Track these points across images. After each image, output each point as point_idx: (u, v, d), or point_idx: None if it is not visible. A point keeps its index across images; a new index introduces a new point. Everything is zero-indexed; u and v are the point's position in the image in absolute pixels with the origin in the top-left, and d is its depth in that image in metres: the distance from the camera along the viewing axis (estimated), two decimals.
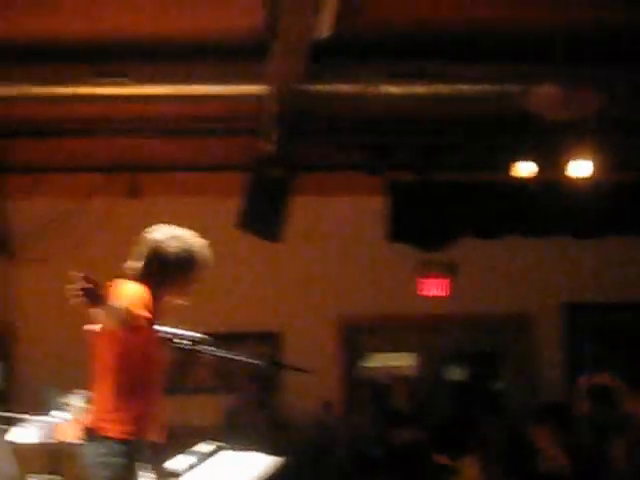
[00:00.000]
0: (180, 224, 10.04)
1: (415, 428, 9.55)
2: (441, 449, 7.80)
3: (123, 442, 4.37)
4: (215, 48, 7.24)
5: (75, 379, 9.84)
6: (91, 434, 4.42)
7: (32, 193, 10.43)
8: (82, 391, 6.67)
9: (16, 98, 7.76)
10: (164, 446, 4.67)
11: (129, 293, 4.45)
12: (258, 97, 7.60)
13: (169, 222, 9.89)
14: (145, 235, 4.78)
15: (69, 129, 9.19)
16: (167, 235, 4.78)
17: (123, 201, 10.43)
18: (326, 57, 7.00)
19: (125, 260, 10.49)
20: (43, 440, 6.09)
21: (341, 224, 10.54)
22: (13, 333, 10.60)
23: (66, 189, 10.38)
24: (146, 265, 4.68)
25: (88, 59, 7.40)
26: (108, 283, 4.50)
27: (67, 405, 6.37)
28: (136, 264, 4.69)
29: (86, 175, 10.27)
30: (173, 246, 4.72)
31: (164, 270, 4.67)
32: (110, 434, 4.37)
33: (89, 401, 4.51)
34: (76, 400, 6.17)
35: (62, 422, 6.08)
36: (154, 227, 4.82)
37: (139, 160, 10.00)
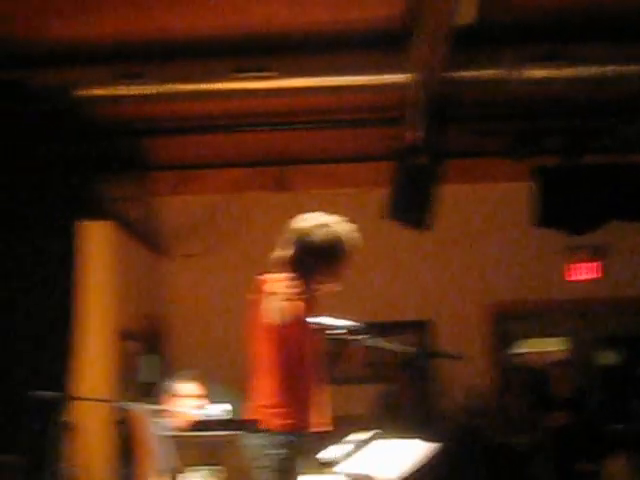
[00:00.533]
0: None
1: (572, 413, 9.42)
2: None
3: (286, 434, 4.41)
4: (357, 38, 7.22)
5: (228, 373, 10.19)
6: (255, 426, 4.48)
7: (180, 190, 10.67)
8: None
9: (161, 96, 7.88)
10: (328, 436, 4.70)
11: (283, 286, 4.48)
12: (402, 86, 7.56)
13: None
14: (291, 223, 4.79)
15: (215, 125, 9.28)
16: (313, 222, 4.79)
17: (271, 195, 10.58)
18: (469, 42, 6.91)
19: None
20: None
21: (488, 210, 10.50)
22: (165, 328, 10.86)
23: (214, 185, 10.59)
24: (295, 254, 4.69)
25: (231, 54, 7.47)
26: (259, 277, 4.54)
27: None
28: (284, 253, 4.70)
29: (233, 170, 10.43)
30: (320, 233, 4.72)
31: (313, 258, 4.67)
32: (273, 427, 4.41)
33: (249, 394, 4.56)
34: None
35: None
36: (299, 216, 4.81)
37: (285, 153, 10.08)
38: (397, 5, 6.67)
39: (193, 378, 6.67)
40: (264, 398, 4.53)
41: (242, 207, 10.52)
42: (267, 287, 4.47)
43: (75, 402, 6.67)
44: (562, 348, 11.16)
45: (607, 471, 8.84)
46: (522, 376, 10.30)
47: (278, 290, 4.45)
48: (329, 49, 7.39)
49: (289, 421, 4.44)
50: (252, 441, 4.44)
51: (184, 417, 6.40)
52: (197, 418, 6.20)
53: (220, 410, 6.07)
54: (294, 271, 4.67)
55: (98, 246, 8.78)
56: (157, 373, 10.47)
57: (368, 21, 7.03)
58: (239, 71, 7.57)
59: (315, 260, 4.71)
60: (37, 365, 7.66)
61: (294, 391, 4.50)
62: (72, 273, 8.18)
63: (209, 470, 4.54)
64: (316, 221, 4.85)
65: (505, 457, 9.68)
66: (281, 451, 4.41)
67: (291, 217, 10.58)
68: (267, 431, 4.41)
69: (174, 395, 6.45)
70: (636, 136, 8.90)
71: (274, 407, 4.46)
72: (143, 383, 10.01)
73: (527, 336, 11.22)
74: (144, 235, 10.54)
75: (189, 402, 6.47)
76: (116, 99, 7.75)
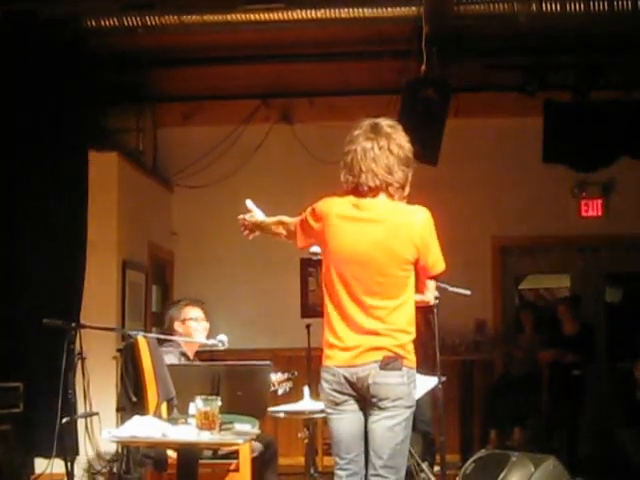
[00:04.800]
0: (332, 147, 10.24)
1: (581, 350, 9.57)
2: None
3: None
4: None
5: (233, 305, 10.34)
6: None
7: (187, 122, 10.75)
8: None
9: (169, 27, 7.97)
10: None
11: None
12: (411, 18, 7.63)
13: (323, 146, 10.18)
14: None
15: (222, 57, 9.37)
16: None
17: (277, 127, 10.65)
18: None
19: (281, 184, 10.77)
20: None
21: (496, 145, 10.54)
22: (170, 260, 11.01)
23: (220, 117, 10.65)
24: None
25: None
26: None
27: None
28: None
29: (240, 102, 10.53)
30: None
31: None
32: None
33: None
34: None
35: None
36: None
37: (292, 86, 10.18)
38: None
39: (198, 303, 6.81)
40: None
41: (249, 139, 10.58)
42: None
43: (83, 331, 6.80)
44: (565, 285, 11.26)
45: None
46: (533, 314, 10.41)
47: None
48: None
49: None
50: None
51: (193, 345, 6.57)
52: (206, 345, 6.37)
53: (217, 340, 6.23)
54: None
55: (103, 176, 8.91)
56: (159, 303, 10.66)
57: None
58: (247, 2, 7.63)
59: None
60: (50, 291, 7.86)
61: None
62: (85, 199, 8.34)
63: (206, 399, 4.70)
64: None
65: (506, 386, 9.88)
66: None
67: (296, 149, 10.72)
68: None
69: (184, 320, 6.60)
70: None
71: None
72: (151, 312, 10.21)
73: (532, 271, 11.33)
74: (150, 166, 10.66)
75: (198, 325, 6.63)
76: (124, 30, 7.84)
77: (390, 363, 4.36)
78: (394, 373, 4.36)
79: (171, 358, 6.22)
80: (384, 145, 4.40)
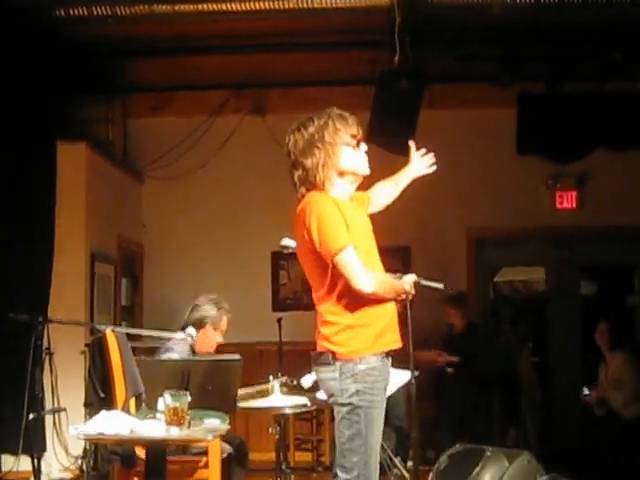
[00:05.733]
0: None
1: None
2: None
3: None
4: None
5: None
6: None
7: (158, 112, 10.68)
8: None
9: (139, 16, 7.90)
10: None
11: None
12: (383, 8, 7.61)
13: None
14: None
15: (193, 47, 9.31)
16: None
17: (249, 118, 10.61)
18: None
19: (252, 176, 10.72)
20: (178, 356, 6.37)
21: (470, 136, 10.55)
22: (140, 252, 10.95)
23: (191, 108, 10.61)
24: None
25: None
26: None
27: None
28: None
29: (211, 93, 10.49)
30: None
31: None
32: None
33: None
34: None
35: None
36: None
37: (264, 76, 10.14)
38: None
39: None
40: None
41: (220, 130, 10.53)
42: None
43: (50, 326, 6.75)
44: (540, 277, 11.29)
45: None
46: (509, 307, 10.43)
47: None
48: None
49: None
50: None
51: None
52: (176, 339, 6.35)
53: (186, 334, 6.23)
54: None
55: (71, 167, 8.85)
56: (128, 296, 10.60)
57: None
58: None
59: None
60: (16, 283, 7.78)
61: None
62: (53, 190, 8.27)
63: (175, 395, 4.66)
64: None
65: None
66: None
67: (269, 141, 10.68)
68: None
69: (220, 329, 6.66)
70: (621, 63, 8.91)
71: None
72: (120, 306, 10.15)
73: (507, 264, 11.35)
74: (120, 157, 10.59)
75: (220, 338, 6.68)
76: (94, 19, 7.77)
77: (318, 358, 4.36)
78: (324, 368, 4.34)
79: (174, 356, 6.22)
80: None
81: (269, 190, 10.62)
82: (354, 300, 4.32)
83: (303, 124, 4.54)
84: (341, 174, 4.51)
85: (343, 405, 4.30)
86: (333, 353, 4.31)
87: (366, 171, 4.59)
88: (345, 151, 4.51)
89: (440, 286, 4.80)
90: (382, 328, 4.39)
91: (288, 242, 4.84)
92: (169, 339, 6.45)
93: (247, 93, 10.55)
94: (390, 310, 4.47)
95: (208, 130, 10.55)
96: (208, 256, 10.76)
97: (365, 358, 4.32)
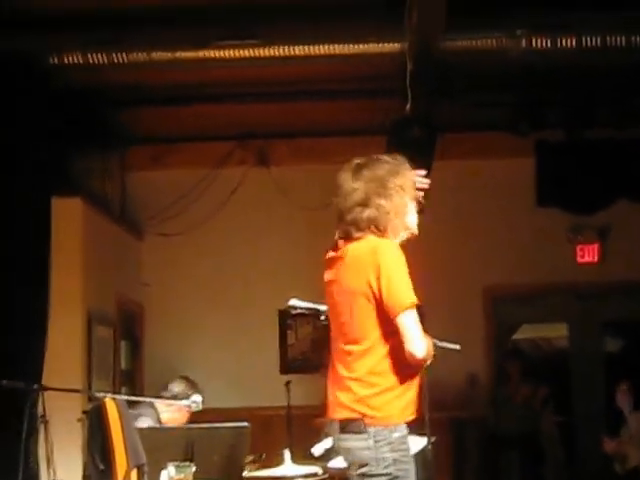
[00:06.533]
0: (312, 192, 10.20)
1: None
2: None
3: None
4: (346, 3, 7.28)
5: (202, 361, 10.23)
6: None
7: (158, 165, 10.70)
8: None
9: (137, 64, 7.90)
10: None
11: None
12: (393, 54, 7.62)
13: (302, 191, 10.18)
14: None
15: (195, 96, 9.34)
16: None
17: (254, 170, 10.61)
18: (466, 9, 6.97)
19: (258, 232, 10.73)
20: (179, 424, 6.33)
21: (486, 188, 10.51)
22: (140, 313, 10.91)
23: (193, 159, 10.62)
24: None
25: (214, 21, 7.52)
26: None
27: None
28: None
29: (214, 144, 10.52)
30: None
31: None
32: None
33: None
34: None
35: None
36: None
37: (269, 126, 10.15)
38: None
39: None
40: None
41: (223, 183, 10.53)
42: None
43: (46, 392, 6.69)
44: (562, 334, 11.23)
45: None
46: (523, 364, 10.37)
47: None
48: (318, 16, 7.44)
49: None
50: None
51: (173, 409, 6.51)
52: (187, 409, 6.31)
53: (191, 400, 6.18)
54: None
55: (67, 223, 8.81)
56: (128, 360, 10.53)
57: None
58: (221, 38, 7.61)
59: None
60: (8, 347, 7.71)
61: None
62: (47, 247, 8.22)
63: (179, 466, 4.62)
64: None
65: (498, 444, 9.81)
66: None
67: (274, 194, 10.67)
68: None
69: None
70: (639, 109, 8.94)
71: None
72: (118, 370, 10.08)
73: (527, 321, 11.30)
74: (119, 213, 10.58)
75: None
76: (90, 67, 7.77)
77: (347, 425, 4.23)
78: (355, 437, 4.20)
79: (147, 421, 6.16)
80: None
81: (275, 245, 10.63)
82: (399, 362, 4.22)
83: (375, 163, 4.48)
84: (405, 228, 4.48)
85: (379, 476, 4.17)
86: (367, 418, 4.18)
87: (416, 232, 4.56)
88: (411, 206, 4.51)
89: (456, 347, 4.77)
90: (414, 395, 4.31)
91: (296, 303, 4.82)
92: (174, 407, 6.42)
93: (251, 144, 10.56)
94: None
95: (211, 183, 10.55)
96: (212, 316, 10.72)
97: (399, 425, 4.24)
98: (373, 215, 4.37)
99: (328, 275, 4.48)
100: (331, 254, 4.48)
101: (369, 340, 4.25)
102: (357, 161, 4.51)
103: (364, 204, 4.39)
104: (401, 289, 4.24)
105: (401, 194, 4.43)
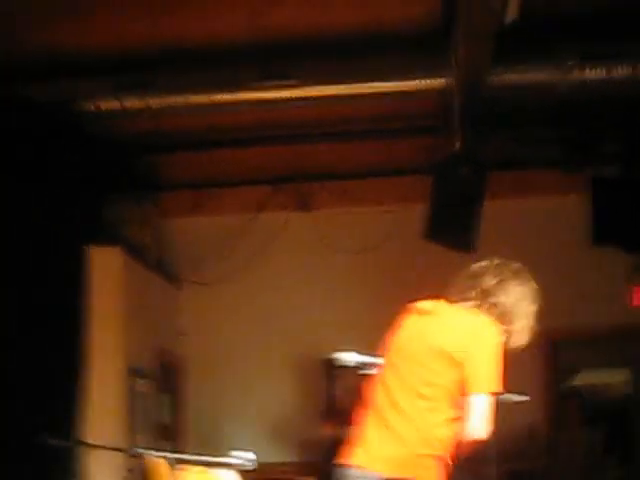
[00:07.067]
0: (354, 236, 10.14)
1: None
2: None
3: None
4: (389, 39, 7.23)
5: (248, 415, 10.17)
6: None
7: (195, 211, 10.68)
8: None
9: (173, 108, 7.91)
10: None
11: None
12: (440, 91, 7.57)
13: (344, 235, 10.13)
14: None
15: (231, 139, 9.33)
16: None
17: (294, 215, 10.58)
18: (513, 42, 6.91)
19: (298, 278, 10.64)
20: None
21: (539, 227, 10.40)
22: (180, 365, 10.87)
23: (231, 205, 10.60)
24: None
25: (249, 61, 7.51)
26: None
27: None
28: None
29: (252, 189, 10.47)
30: None
31: None
32: None
33: None
34: None
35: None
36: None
37: (309, 169, 10.11)
38: (434, 3, 6.70)
39: None
40: None
41: (262, 229, 10.51)
42: None
43: (85, 449, 6.67)
44: (624, 379, 11.09)
45: None
46: (583, 408, 10.25)
47: None
48: (358, 52, 7.40)
49: None
50: None
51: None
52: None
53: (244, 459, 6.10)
54: None
55: (105, 274, 8.80)
56: (169, 414, 10.49)
57: (401, 20, 7.03)
58: (259, 79, 7.60)
59: None
60: (46, 406, 7.68)
61: None
62: (85, 299, 8.22)
63: None
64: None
65: None
66: None
67: (317, 239, 10.62)
68: None
69: None
70: None
71: None
72: (159, 425, 10.03)
73: (586, 367, 11.16)
74: (156, 261, 10.57)
75: None
76: (125, 112, 7.79)
77: None
78: None
79: None
80: None
81: (317, 292, 10.57)
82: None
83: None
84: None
85: None
86: None
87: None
88: None
89: (525, 398, 4.76)
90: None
91: (342, 356, 4.80)
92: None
93: (291, 187, 10.53)
94: None
95: (250, 229, 10.53)
96: (255, 366, 10.65)
97: None
98: (499, 314, 4.73)
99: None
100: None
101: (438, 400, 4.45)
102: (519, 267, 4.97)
103: (492, 294, 4.76)
104: (494, 373, 4.49)
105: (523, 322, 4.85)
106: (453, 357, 4.35)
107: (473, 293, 4.66)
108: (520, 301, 4.73)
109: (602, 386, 11.35)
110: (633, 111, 8.57)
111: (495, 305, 4.65)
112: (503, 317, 4.65)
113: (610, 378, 11.41)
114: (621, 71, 7.34)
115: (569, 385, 11.06)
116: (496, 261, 4.87)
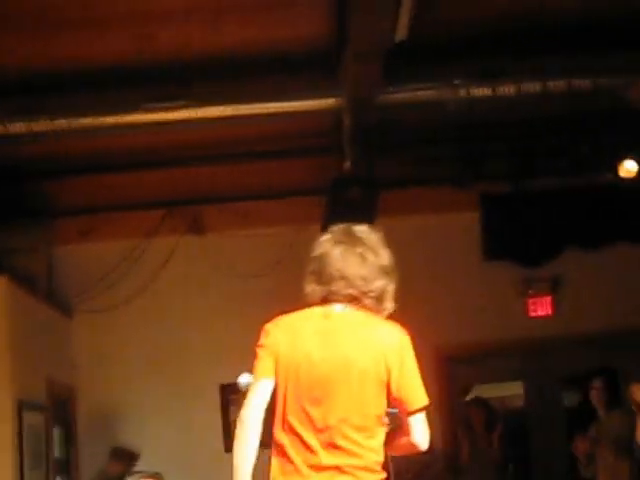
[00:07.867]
0: (251, 259, 10.11)
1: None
2: None
3: None
4: (279, 60, 7.28)
5: (143, 445, 10.08)
6: None
7: (84, 238, 10.57)
8: None
9: (59, 132, 7.81)
10: None
11: None
12: (330, 111, 7.64)
13: (238, 258, 10.08)
14: None
15: (120, 164, 9.27)
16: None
17: (186, 239, 10.55)
18: (402, 62, 7.02)
19: (192, 304, 10.62)
20: None
21: (431, 244, 10.52)
22: (72, 396, 10.73)
23: (121, 231, 10.50)
24: None
25: (137, 83, 7.48)
26: None
27: None
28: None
29: (144, 213, 10.40)
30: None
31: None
32: None
33: None
34: None
35: None
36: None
37: (201, 192, 10.09)
38: (323, 23, 6.76)
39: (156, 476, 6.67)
40: None
41: (155, 253, 10.46)
42: None
43: None
44: (518, 393, 11.24)
45: None
46: (487, 414, 10.37)
47: None
48: (248, 73, 7.41)
49: None
50: None
51: None
52: None
53: None
54: None
55: None
56: (61, 447, 10.33)
57: (292, 40, 7.07)
58: (148, 101, 7.57)
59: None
60: None
61: None
62: None
63: None
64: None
65: None
66: None
67: (210, 263, 10.57)
68: None
69: None
70: (588, 156, 9.04)
71: None
72: (52, 459, 9.88)
73: (480, 381, 11.28)
74: (46, 290, 10.44)
75: None
76: (9, 138, 7.69)
77: None
78: None
79: None
80: (358, 251, 4.32)
81: (211, 317, 10.54)
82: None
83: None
84: None
85: None
86: None
87: None
88: None
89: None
90: None
91: (248, 379, 4.75)
92: None
93: (182, 211, 10.49)
94: None
95: (141, 255, 10.48)
96: (150, 395, 10.57)
97: None
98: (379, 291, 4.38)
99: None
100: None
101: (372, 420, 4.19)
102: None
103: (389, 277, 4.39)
104: (421, 386, 4.30)
105: None
106: (376, 374, 4.24)
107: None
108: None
109: (496, 400, 11.50)
110: (520, 128, 8.76)
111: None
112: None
113: (503, 392, 11.58)
114: (506, 89, 7.48)
115: (466, 401, 11.18)
116: None
